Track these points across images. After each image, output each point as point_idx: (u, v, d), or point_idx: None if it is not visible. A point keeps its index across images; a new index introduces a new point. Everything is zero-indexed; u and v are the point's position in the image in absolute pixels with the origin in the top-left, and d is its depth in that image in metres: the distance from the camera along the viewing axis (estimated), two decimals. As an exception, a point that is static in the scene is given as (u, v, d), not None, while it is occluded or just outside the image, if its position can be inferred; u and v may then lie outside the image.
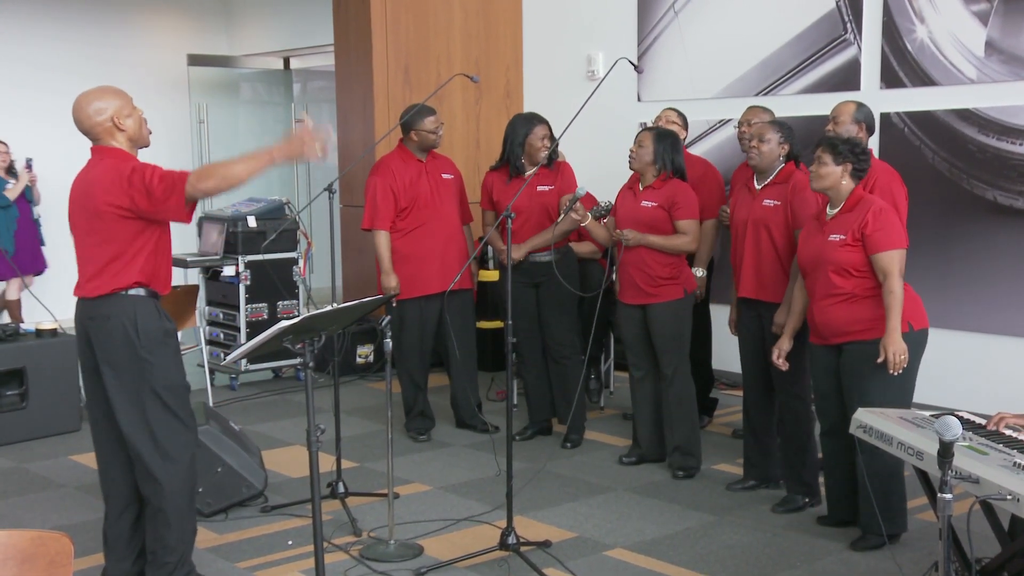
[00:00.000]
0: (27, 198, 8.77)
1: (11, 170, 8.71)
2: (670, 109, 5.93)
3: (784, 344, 4.57)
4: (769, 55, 6.83)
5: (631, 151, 5.23)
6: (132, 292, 3.70)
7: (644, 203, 5.19)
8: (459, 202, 5.98)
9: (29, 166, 8.73)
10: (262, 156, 3.62)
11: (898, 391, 4.15)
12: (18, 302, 8.78)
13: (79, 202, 3.75)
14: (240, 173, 3.60)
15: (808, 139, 5.21)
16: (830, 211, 4.30)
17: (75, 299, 3.80)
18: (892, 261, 4.12)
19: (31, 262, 8.83)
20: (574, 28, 8.03)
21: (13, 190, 8.61)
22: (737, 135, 5.64)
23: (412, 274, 5.80)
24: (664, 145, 5.18)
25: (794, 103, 6.56)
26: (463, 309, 5.97)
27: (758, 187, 4.81)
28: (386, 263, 5.74)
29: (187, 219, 3.69)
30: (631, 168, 5.26)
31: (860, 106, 4.98)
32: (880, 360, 4.11)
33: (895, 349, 4.08)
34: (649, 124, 5.86)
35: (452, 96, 8.00)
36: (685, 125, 5.92)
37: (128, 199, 3.61)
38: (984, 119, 5.87)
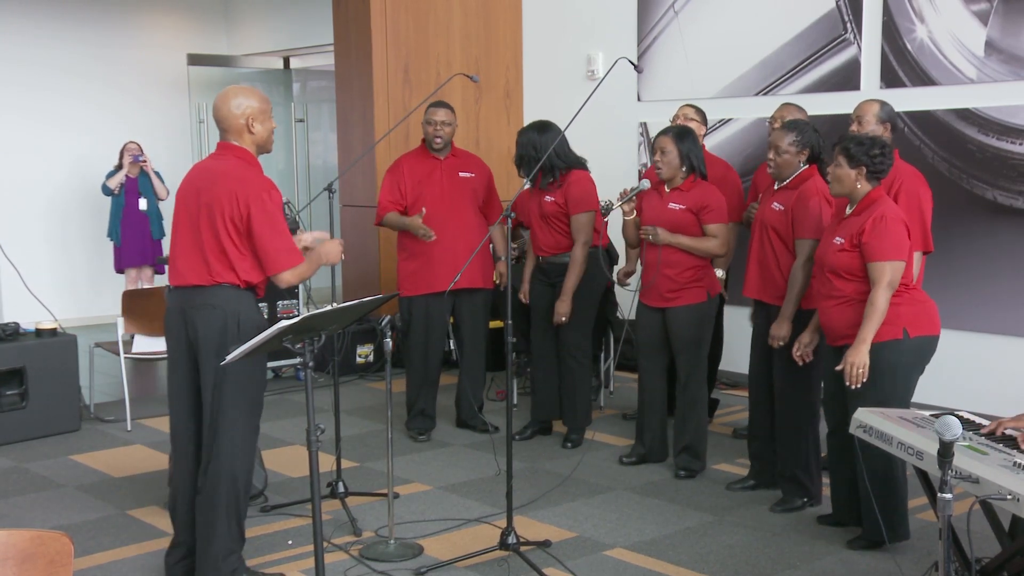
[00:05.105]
0: (139, 190, 8.85)
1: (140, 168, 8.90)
2: (688, 106, 5.82)
3: (804, 338, 4.50)
4: (769, 55, 6.83)
5: (655, 160, 5.12)
6: (237, 285, 3.85)
7: (672, 205, 5.11)
8: (481, 200, 5.93)
9: (135, 158, 8.80)
10: (313, 260, 4.00)
11: (891, 399, 4.06)
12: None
13: (198, 189, 3.87)
14: (307, 273, 3.96)
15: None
16: (848, 212, 4.23)
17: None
18: (881, 272, 4.01)
19: (137, 254, 8.90)
20: (574, 28, 8.03)
21: (113, 180, 8.77)
22: (768, 132, 5.36)
23: (418, 271, 5.81)
24: (687, 144, 5.09)
25: (794, 103, 6.55)
26: (474, 308, 5.96)
27: (775, 188, 4.76)
28: (404, 220, 5.75)
29: (259, 288, 3.91)
30: (661, 177, 5.12)
31: (883, 105, 4.87)
32: (838, 368, 4.07)
33: (854, 361, 4.01)
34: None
35: (452, 96, 7.99)
36: (704, 121, 5.84)
37: (243, 216, 3.77)
38: (984, 119, 5.87)
